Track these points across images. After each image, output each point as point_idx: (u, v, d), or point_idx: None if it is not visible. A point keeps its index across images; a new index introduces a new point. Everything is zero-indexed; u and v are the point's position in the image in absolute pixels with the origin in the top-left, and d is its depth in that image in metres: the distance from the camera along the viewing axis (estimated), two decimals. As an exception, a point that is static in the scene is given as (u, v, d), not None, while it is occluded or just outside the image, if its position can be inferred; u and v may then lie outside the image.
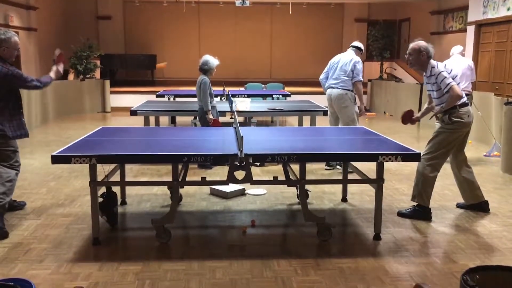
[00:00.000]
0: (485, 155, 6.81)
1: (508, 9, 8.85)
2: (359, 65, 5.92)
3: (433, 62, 4.09)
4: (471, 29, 10.18)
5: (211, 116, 5.85)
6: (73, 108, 11.33)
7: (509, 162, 5.83)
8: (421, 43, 4.10)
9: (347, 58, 5.99)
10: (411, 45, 4.14)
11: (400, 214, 4.21)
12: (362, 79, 5.98)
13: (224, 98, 7.79)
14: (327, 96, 6.08)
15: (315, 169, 5.88)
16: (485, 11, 9.62)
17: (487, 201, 4.42)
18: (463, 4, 10.84)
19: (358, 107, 6.04)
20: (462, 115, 4.08)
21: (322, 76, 6.23)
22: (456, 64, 6.10)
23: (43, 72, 12.62)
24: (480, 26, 9.89)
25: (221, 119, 6.24)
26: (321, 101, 8.34)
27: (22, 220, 4.14)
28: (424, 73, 4.21)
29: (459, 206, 4.50)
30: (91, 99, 11.83)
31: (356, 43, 6.25)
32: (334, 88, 5.96)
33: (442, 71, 4.02)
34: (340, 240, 3.81)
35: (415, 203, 4.25)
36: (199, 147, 3.87)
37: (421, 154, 4.15)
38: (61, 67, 4.38)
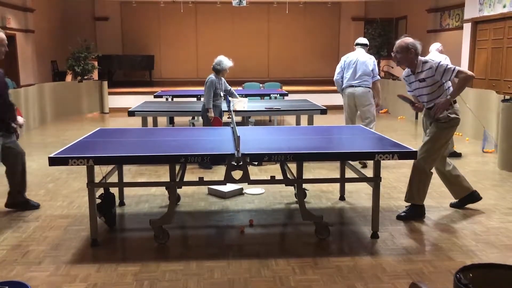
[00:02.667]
0: (484, 151, 6.83)
1: (504, 6, 8.86)
2: (376, 64, 6.36)
3: (423, 58, 4.06)
4: (467, 27, 10.20)
5: (211, 114, 5.90)
6: (71, 110, 11.33)
7: (506, 159, 5.85)
8: (408, 39, 4.02)
9: (365, 58, 6.26)
10: (398, 43, 4.02)
11: (399, 218, 4.19)
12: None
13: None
14: (348, 94, 6.27)
15: (312, 168, 5.89)
16: (481, 8, 9.64)
17: (476, 191, 4.43)
18: (460, 1, 10.86)
19: (376, 102, 6.39)
20: (456, 111, 4.08)
21: (338, 76, 6.41)
22: None
23: (40, 73, 12.62)
24: (477, 23, 9.91)
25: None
26: (318, 100, 8.36)
27: (20, 222, 4.15)
28: (408, 72, 4.15)
29: (452, 205, 4.49)
30: (89, 100, 11.82)
31: (364, 40, 6.52)
32: (357, 86, 6.20)
33: (440, 62, 3.98)
34: (338, 238, 3.82)
35: (409, 203, 4.26)
36: (197, 147, 3.88)
37: (420, 155, 4.15)
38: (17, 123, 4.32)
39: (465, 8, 10.29)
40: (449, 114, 4.04)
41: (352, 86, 6.21)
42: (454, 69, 3.93)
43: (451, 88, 4.06)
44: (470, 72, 3.97)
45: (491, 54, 9.41)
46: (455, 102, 4.08)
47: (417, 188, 4.17)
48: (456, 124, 4.12)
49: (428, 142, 4.13)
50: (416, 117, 10.18)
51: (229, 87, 6.32)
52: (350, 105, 6.30)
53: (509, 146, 5.81)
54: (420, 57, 4.04)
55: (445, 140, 4.15)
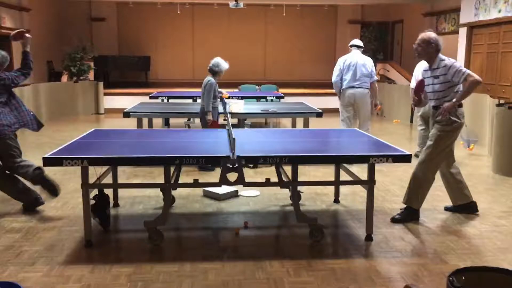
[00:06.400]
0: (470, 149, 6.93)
1: (499, 11, 8.92)
2: (373, 66, 6.65)
3: (442, 56, 4.11)
4: (463, 31, 10.25)
5: (210, 117, 5.88)
6: (66, 110, 11.29)
7: (500, 162, 5.88)
8: (432, 34, 4.11)
9: (363, 60, 6.53)
10: (421, 36, 4.12)
11: (394, 220, 4.20)
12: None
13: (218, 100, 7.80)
14: (349, 95, 6.53)
15: (307, 170, 5.89)
16: (477, 13, 9.70)
17: (475, 202, 4.42)
18: (456, 6, 10.92)
19: (374, 102, 6.72)
20: (459, 115, 4.09)
21: (337, 78, 6.61)
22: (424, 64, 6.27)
23: (36, 73, 12.57)
24: (472, 28, 9.96)
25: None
26: (314, 103, 8.37)
27: (14, 222, 4.13)
28: (426, 67, 4.21)
29: (447, 209, 4.49)
30: (85, 101, 11.79)
31: (360, 42, 6.78)
32: (357, 88, 6.48)
33: (455, 63, 4.03)
34: (332, 241, 3.83)
35: (404, 206, 4.26)
36: (192, 149, 3.88)
37: (421, 160, 4.15)
38: (24, 40, 4.80)
39: (461, 12, 10.34)
40: (450, 117, 4.05)
41: (353, 87, 6.47)
42: (464, 72, 3.97)
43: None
44: (478, 77, 3.98)
45: (486, 58, 9.46)
46: (460, 106, 4.10)
47: (416, 193, 4.18)
48: (458, 128, 4.13)
49: (430, 146, 4.15)
50: (411, 121, 10.21)
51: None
52: (350, 106, 6.58)
53: (503, 150, 5.84)
54: (440, 55, 4.10)
55: (447, 145, 4.16)
